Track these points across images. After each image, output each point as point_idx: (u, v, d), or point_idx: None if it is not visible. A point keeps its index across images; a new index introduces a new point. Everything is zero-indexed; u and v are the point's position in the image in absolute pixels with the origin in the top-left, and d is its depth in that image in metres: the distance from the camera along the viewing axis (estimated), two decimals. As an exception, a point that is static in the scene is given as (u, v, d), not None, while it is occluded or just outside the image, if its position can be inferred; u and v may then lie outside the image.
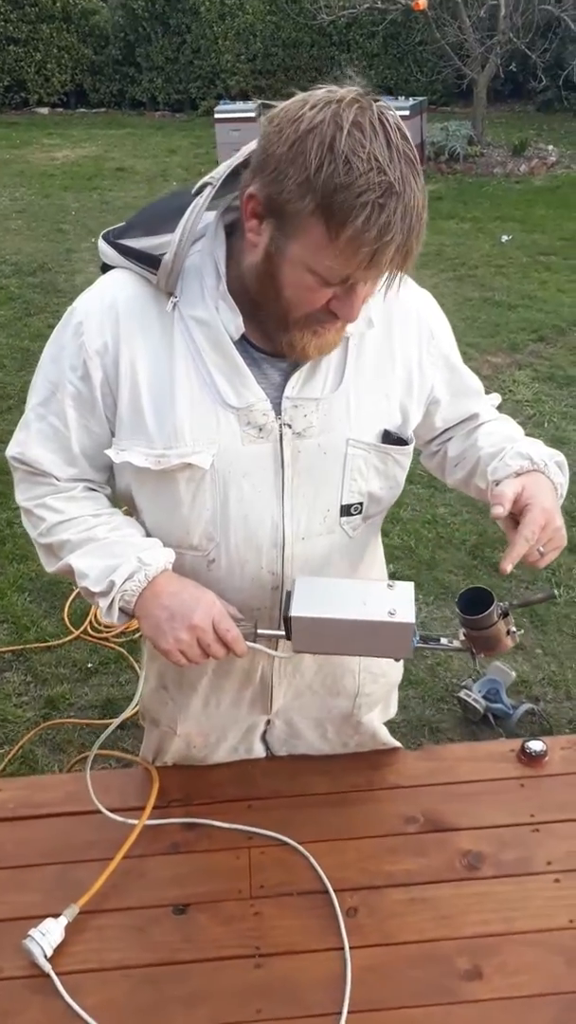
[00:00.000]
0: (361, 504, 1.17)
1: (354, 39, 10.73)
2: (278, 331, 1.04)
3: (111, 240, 1.10)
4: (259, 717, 1.35)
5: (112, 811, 1.31)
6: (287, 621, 1.07)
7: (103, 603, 1.11)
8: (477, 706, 2.24)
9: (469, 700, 2.25)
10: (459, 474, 1.27)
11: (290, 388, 1.08)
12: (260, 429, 1.08)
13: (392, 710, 1.50)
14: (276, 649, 1.16)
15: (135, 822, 1.23)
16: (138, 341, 1.06)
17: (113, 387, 1.08)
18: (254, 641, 1.12)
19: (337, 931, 1.15)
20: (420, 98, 8.16)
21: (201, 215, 1.04)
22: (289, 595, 1.09)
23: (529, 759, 1.37)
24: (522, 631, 2.28)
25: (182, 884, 1.22)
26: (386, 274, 0.96)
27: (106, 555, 1.11)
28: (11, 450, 1.17)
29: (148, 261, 1.04)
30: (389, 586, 1.08)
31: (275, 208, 0.94)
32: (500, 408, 1.33)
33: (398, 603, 1.06)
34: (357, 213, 0.88)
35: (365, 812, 1.31)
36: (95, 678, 2.48)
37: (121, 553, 1.10)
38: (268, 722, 1.37)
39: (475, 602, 1.10)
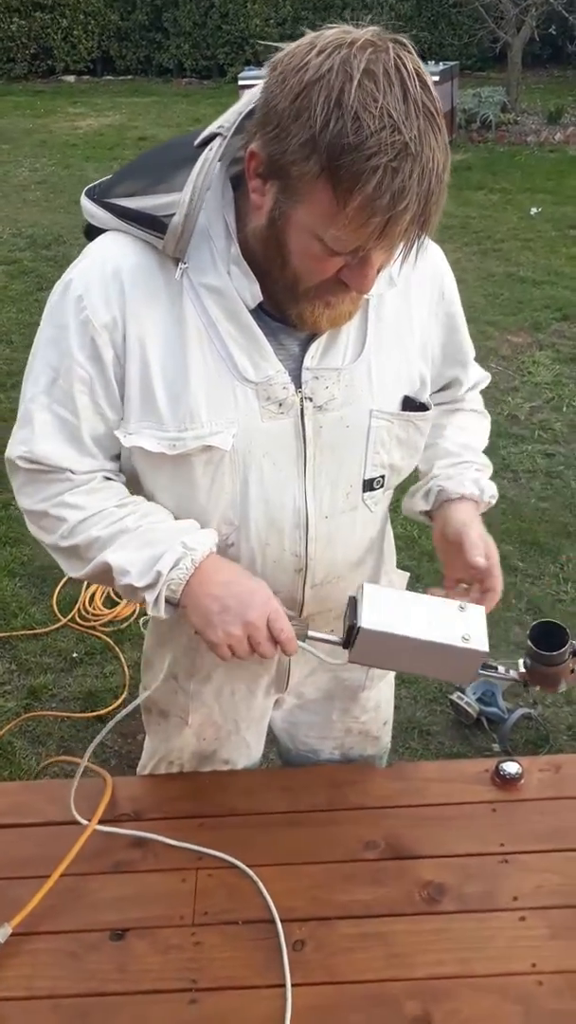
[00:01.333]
0: (383, 477, 1.09)
1: (387, 1, 10.41)
2: (288, 302, 0.95)
3: (101, 199, 0.98)
4: (273, 699, 1.30)
5: (58, 824, 1.26)
6: (352, 631, 1.00)
7: (149, 597, 1.01)
8: (469, 710, 2.15)
9: (461, 704, 2.16)
10: None
11: (309, 359, 1.00)
12: (280, 404, 1.00)
13: (392, 689, 1.44)
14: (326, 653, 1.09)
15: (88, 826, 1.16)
16: (146, 314, 0.96)
17: (123, 365, 0.98)
18: (303, 642, 1.05)
19: (280, 966, 1.07)
20: (451, 63, 7.86)
21: (212, 171, 0.92)
22: (354, 601, 1.02)
23: (503, 782, 1.28)
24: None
25: (122, 907, 1.15)
26: (401, 244, 0.86)
27: (144, 545, 1.01)
28: (13, 451, 1.05)
29: (151, 224, 0.93)
30: (461, 608, 1.02)
31: (278, 169, 0.84)
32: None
33: (471, 628, 1.00)
34: (368, 178, 0.78)
35: (323, 835, 1.23)
36: (79, 668, 2.43)
37: (161, 540, 1.01)
38: (277, 700, 1.31)
39: (546, 635, 1.06)
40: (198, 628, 1.03)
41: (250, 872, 1.18)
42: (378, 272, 0.91)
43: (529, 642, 1.06)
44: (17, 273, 5.25)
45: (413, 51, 0.82)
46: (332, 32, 0.82)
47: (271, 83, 0.84)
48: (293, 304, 0.95)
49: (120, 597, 1.11)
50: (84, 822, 1.18)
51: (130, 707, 1.18)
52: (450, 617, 1.01)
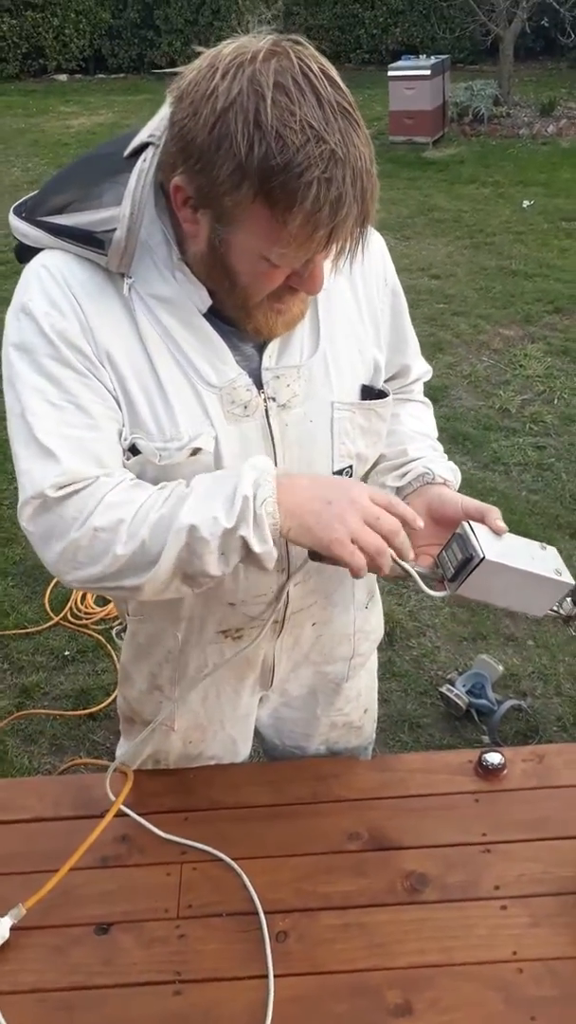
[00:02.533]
0: (351, 467, 1.09)
1: (378, -4, 10.39)
2: (240, 317, 0.95)
3: (32, 218, 0.96)
4: (258, 696, 1.30)
5: (43, 821, 1.27)
6: (467, 564, 1.01)
7: (246, 531, 0.90)
8: (459, 702, 2.15)
9: (450, 696, 2.16)
10: None
11: (267, 359, 1.00)
12: (245, 407, 0.99)
13: (374, 678, 1.45)
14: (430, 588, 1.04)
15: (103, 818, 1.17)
16: (109, 331, 0.94)
17: (108, 372, 0.95)
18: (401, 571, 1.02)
19: (264, 957, 1.08)
20: (442, 56, 7.84)
21: (149, 183, 0.91)
22: (461, 538, 1.02)
23: (486, 772, 1.29)
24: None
25: (108, 901, 1.16)
26: (348, 245, 0.86)
27: (213, 492, 0.92)
28: (43, 484, 0.92)
29: (89, 240, 0.92)
30: (542, 547, 1.08)
31: (210, 201, 0.84)
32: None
33: (559, 564, 1.07)
34: (304, 194, 0.78)
35: (306, 827, 1.24)
36: (72, 666, 2.43)
37: (226, 477, 0.93)
38: (262, 697, 1.31)
39: None
40: (316, 539, 0.92)
41: (234, 865, 1.18)
42: (323, 271, 0.91)
43: None
44: (10, 274, 5.24)
45: (312, 48, 0.81)
46: (229, 49, 0.81)
47: (182, 115, 0.82)
48: (246, 318, 0.94)
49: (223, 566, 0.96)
50: (131, 813, 1.22)
51: (157, 720, 1.20)
52: (540, 553, 1.07)
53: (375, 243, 1.11)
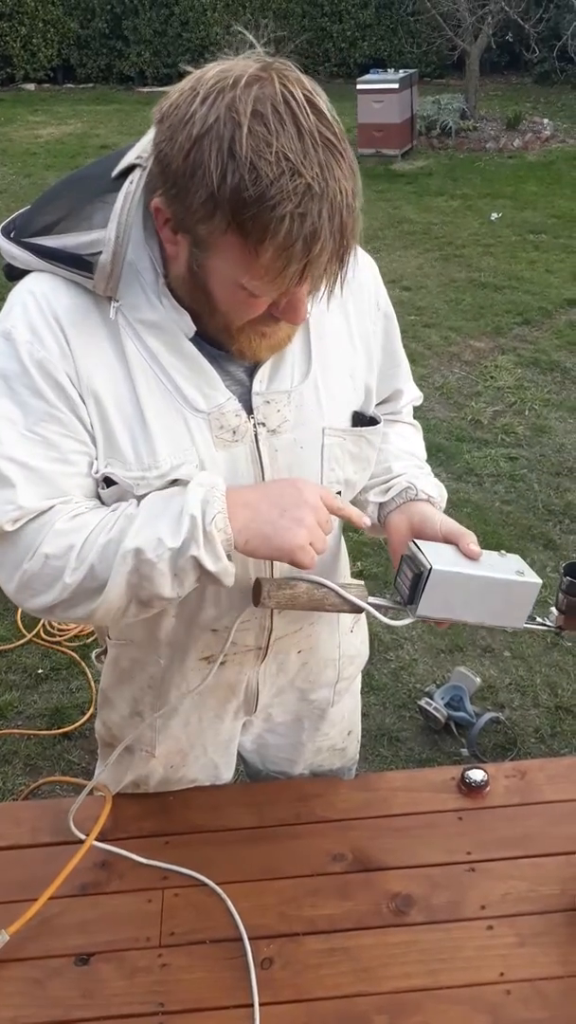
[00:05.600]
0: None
1: (346, 9, 10.49)
2: (224, 339, 0.94)
3: (20, 239, 0.94)
4: (241, 722, 1.27)
5: (20, 848, 1.24)
6: (419, 580, 1.00)
7: (197, 550, 0.89)
8: (438, 715, 2.15)
9: (429, 709, 2.16)
10: None
11: (258, 383, 0.98)
12: (234, 432, 0.98)
13: (358, 699, 1.43)
14: (388, 616, 1.04)
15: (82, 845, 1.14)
16: (90, 355, 0.92)
17: (85, 403, 0.93)
18: (362, 612, 1.04)
19: (249, 985, 1.06)
20: (411, 70, 7.92)
21: (136, 205, 0.90)
22: (410, 557, 1.02)
23: (469, 789, 1.28)
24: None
25: (88, 931, 1.13)
26: (324, 280, 0.84)
27: (159, 512, 0.91)
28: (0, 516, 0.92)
29: (76, 263, 0.90)
30: (501, 555, 1.06)
31: (186, 226, 0.83)
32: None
33: (520, 566, 1.05)
34: (276, 228, 0.76)
35: (290, 849, 1.23)
36: (45, 684, 2.39)
37: (171, 495, 0.92)
38: (245, 722, 1.29)
39: None
40: (275, 548, 0.92)
41: (218, 889, 1.16)
42: (307, 303, 0.89)
43: (567, 577, 1.09)
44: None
45: (300, 74, 0.78)
46: (213, 73, 0.79)
47: (161, 138, 0.81)
48: (230, 340, 0.93)
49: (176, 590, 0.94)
50: (82, 837, 1.19)
51: (127, 740, 1.17)
52: (497, 560, 1.05)
53: (367, 267, 1.10)
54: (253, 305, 0.87)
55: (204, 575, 0.92)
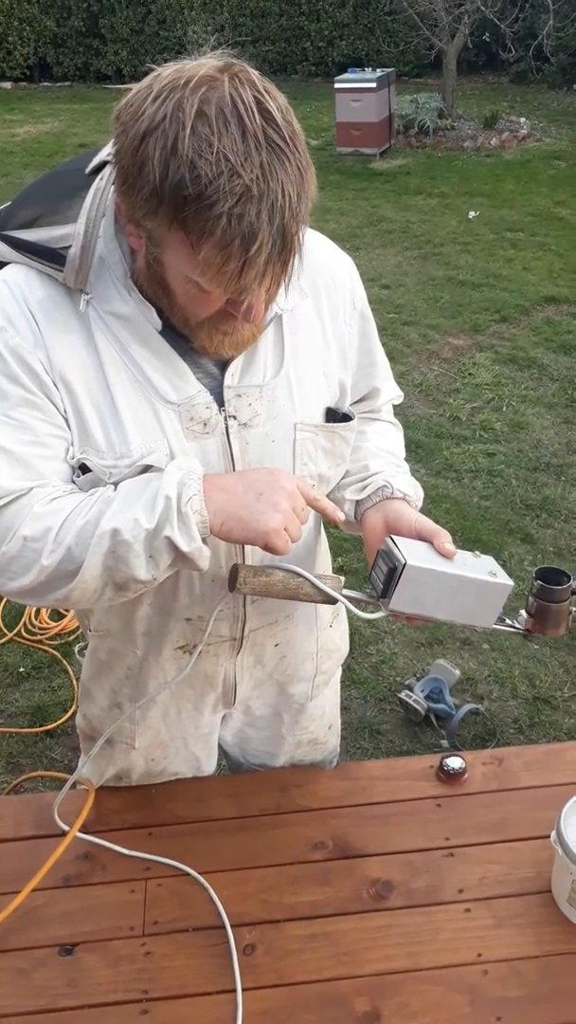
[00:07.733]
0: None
1: (323, 8, 10.51)
2: (187, 332, 0.95)
3: None
4: (220, 715, 1.28)
5: (3, 841, 1.25)
6: (393, 574, 1.02)
7: (171, 531, 0.90)
8: (418, 707, 2.18)
9: (409, 701, 2.18)
10: None
11: (230, 377, 1.00)
12: (204, 424, 0.99)
13: (337, 693, 1.45)
14: (364, 610, 1.07)
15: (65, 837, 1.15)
16: (62, 345, 0.94)
17: (59, 390, 0.95)
18: (337, 603, 1.06)
19: (231, 971, 1.08)
20: (388, 69, 7.96)
21: (105, 200, 0.92)
22: (387, 552, 1.04)
23: (448, 777, 1.31)
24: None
25: (72, 922, 1.15)
26: (268, 282, 0.85)
27: (136, 494, 0.92)
28: None
29: (50, 257, 0.92)
30: (475, 555, 1.08)
31: (136, 221, 0.85)
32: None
33: (493, 567, 1.07)
34: (212, 227, 0.78)
35: (271, 838, 1.24)
36: (27, 683, 2.39)
37: (149, 479, 0.94)
38: (225, 715, 1.30)
39: (546, 579, 1.12)
40: (250, 531, 0.93)
41: (200, 878, 1.18)
42: (267, 300, 0.91)
43: (538, 580, 1.11)
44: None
45: (255, 77, 0.79)
46: (169, 71, 0.80)
47: (116, 133, 0.83)
48: (192, 335, 0.95)
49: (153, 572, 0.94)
50: (65, 828, 1.20)
51: (108, 732, 1.16)
52: (471, 560, 1.07)
53: (342, 266, 1.11)
54: (207, 301, 0.88)
55: (179, 557, 0.93)
